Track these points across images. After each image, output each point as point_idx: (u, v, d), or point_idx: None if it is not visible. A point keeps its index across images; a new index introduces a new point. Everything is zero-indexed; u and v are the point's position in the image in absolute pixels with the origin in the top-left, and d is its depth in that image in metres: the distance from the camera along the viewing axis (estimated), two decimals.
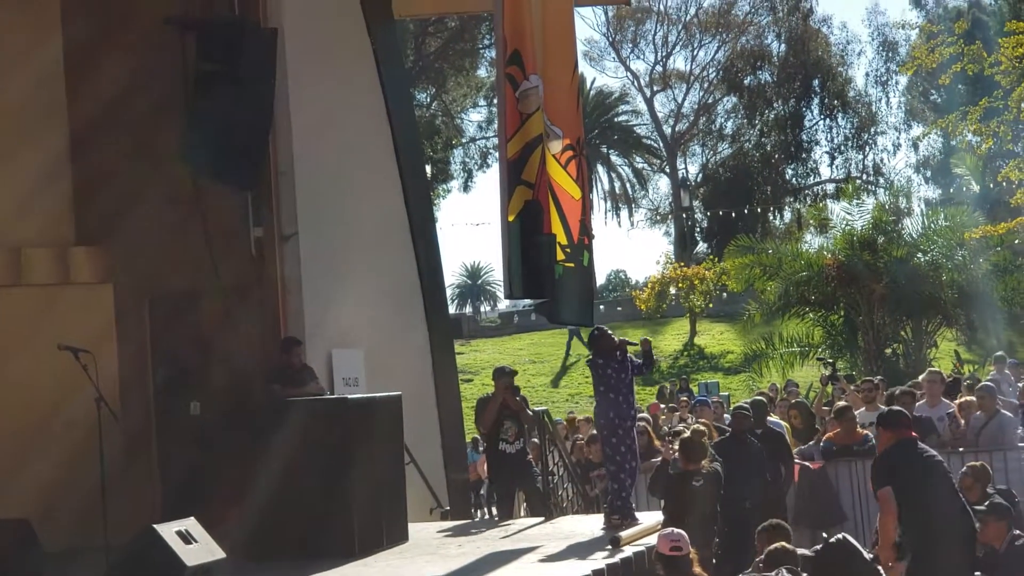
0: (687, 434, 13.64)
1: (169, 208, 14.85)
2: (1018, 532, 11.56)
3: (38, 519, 12.99)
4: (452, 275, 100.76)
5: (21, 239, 15.00)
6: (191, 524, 11.30)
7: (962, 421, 16.29)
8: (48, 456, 14.10)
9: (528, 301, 59.17)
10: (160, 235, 14.87)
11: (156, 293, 15.29)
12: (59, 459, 13.96)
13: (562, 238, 13.33)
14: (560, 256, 13.27)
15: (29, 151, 14.99)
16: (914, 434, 11.41)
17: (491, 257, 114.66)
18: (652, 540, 12.22)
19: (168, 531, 10.95)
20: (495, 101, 12.11)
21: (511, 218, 12.70)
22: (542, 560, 11.88)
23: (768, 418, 16.52)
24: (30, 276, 15.03)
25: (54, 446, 14.08)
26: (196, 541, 11.11)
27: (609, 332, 13.93)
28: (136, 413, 14.72)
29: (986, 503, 12.16)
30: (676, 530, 9.88)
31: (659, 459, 16.88)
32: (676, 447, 13.51)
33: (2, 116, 14.70)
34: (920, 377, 18.64)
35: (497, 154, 12.81)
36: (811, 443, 17.06)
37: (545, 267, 12.95)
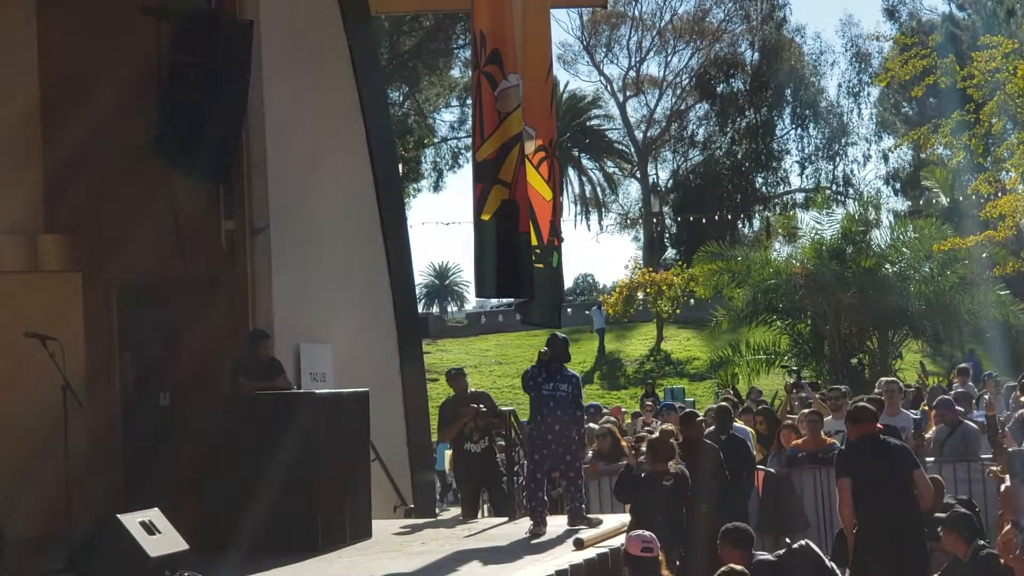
0: (655, 435, 13.65)
1: (140, 199, 14.83)
2: (983, 543, 11.64)
3: (2, 506, 12.92)
4: (420, 275, 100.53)
5: None
6: (155, 515, 11.26)
7: (933, 428, 16.39)
8: (12, 444, 14.03)
9: (496, 302, 59.44)
10: (130, 225, 14.84)
11: (125, 283, 15.28)
12: (23, 447, 13.90)
13: (532, 239, 13.32)
14: (531, 257, 13.28)
15: (1, 138, 14.94)
16: (879, 426, 12.11)
17: (459, 257, 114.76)
18: (615, 542, 12.28)
19: (132, 521, 10.91)
20: (469, 101, 12.09)
21: (487, 217, 12.63)
22: (505, 559, 11.88)
23: (734, 424, 16.55)
24: None
25: (19, 433, 14.02)
26: (160, 532, 11.07)
27: (557, 339, 13.89)
28: (102, 402, 14.69)
29: (946, 513, 12.35)
30: (647, 532, 9.92)
31: (623, 462, 16.90)
32: (643, 449, 13.52)
33: None
34: (876, 388, 18.68)
35: (469, 155, 12.78)
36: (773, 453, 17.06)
37: (524, 266, 12.91)
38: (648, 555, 9.51)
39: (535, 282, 13.29)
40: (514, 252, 12.79)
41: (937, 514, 12.24)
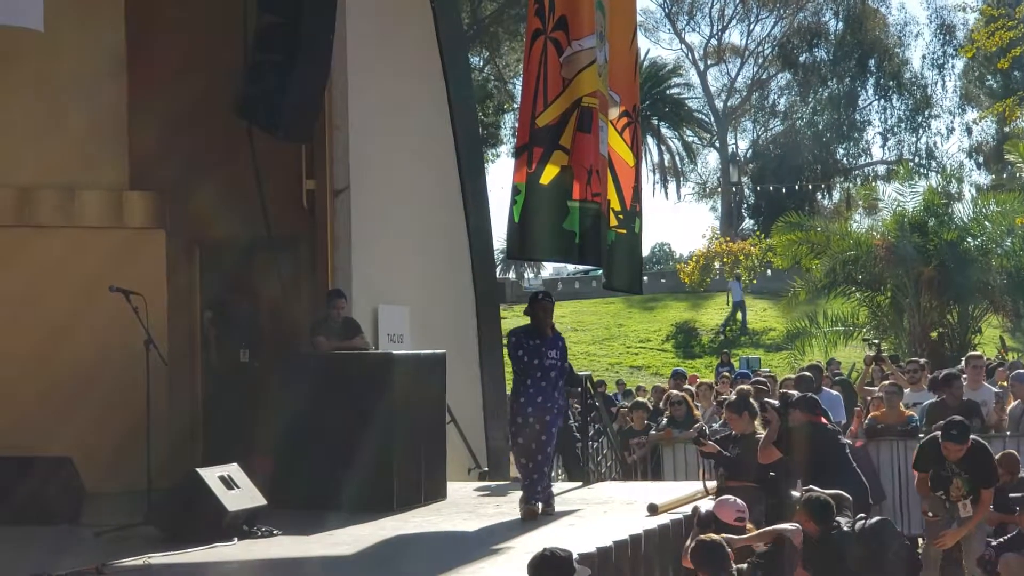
0: (733, 396, 13.61)
1: (223, 157, 14.93)
2: None
3: (82, 459, 13.06)
4: (497, 239, 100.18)
5: (76, 181, 15.10)
6: (234, 470, 11.39)
7: (1012, 402, 16.23)
8: (95, 397, 14.21)
9: (572, 268, 59.17)
10: (213, 183, 14.96)
11: (207, 240, 15.44)
12: (105, 401, 14.08)
13: (615, 204, 13.21)
14: (613, 222, 13.14)
15: (87, 95, 15.08)
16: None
17: None
18: (689, 509, 12.28)
19: (211, 476, 11.04)
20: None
21: (546, 181, 12.38)
22: (579, 523, 11.90)
23: (823, 390, 16.55)
24: (83, 218, 15.13)
25: (101, 387, 14.19)
26: (238, 487, 11.19)
27: (550, 300, 12.67)
28: (182, 358, 14.85)
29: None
30: (740, 501, 9.95)
31: (698, 426, 16.79)
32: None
33: (61, 60, 14.76)
34: (962, 362, 18.50)
35: None
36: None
37: (591, 232, 12.64)
38: (739, 524, 9.50)
39: (614, 248, 13.20)
40: (579, 218, 12.57)
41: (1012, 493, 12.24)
